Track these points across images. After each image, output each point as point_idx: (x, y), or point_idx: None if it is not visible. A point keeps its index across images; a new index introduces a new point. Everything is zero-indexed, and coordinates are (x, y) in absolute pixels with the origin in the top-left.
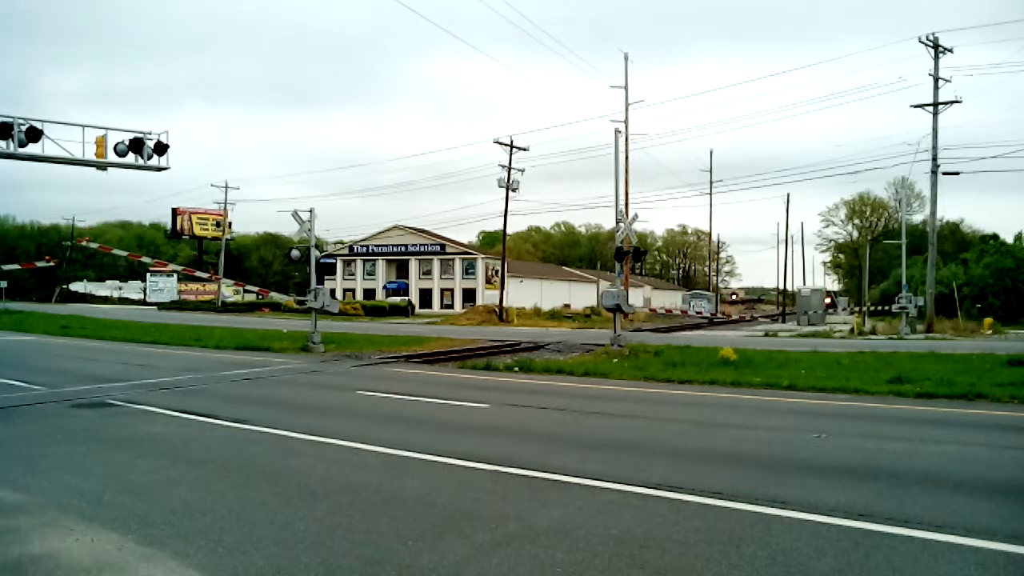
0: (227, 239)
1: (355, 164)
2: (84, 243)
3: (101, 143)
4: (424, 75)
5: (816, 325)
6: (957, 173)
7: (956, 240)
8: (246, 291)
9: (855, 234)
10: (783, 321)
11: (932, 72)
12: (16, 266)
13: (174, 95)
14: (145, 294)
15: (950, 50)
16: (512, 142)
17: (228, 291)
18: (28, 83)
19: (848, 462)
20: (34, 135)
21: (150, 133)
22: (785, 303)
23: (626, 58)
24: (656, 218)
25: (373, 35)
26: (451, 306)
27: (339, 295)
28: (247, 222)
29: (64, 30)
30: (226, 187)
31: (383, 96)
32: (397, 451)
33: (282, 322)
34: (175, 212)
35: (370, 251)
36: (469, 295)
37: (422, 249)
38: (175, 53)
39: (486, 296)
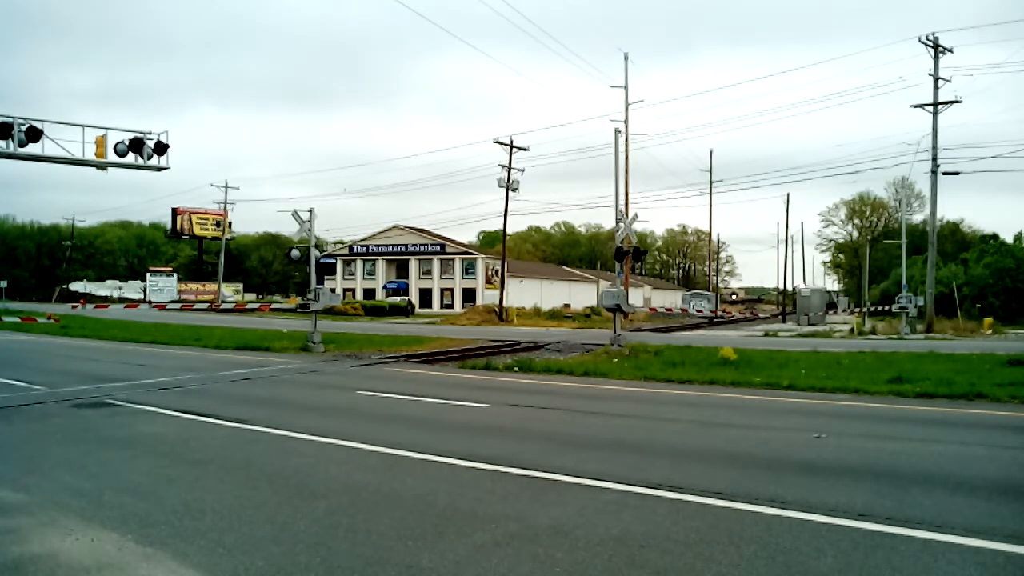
0: (227, 239)
1: (358, 164)
2: None
3: (101, 143)
4: (428, 76)
5: (816, 325)
6: (957, 173)
7: (956, 240)
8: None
9: (855, 234)
10: (783, 321)
11: (932, 72)
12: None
13: (180, 95)
14: (145, 294)
15: (950, 50)
16: (512, 142)
17: (228, 291)
18: (35, 83)
19: (848, 462)
20: (34, 135)
21: (150, 133)
22: (785, 303)
23: (626, 58)
24: (656, 218)
25: (378, 36)
26: (451, 306)
27: (339, 295)
28: (247, 222)
29: (72, 30)
30: (226, 187)
31: (387, 96)
32: (397, 451)
33: (282, 322)
34: (175, 212)
35: (370, 251)
36: (469, 295)
37: (422, 249)
38: (182, 53)
39: (486, 296)
